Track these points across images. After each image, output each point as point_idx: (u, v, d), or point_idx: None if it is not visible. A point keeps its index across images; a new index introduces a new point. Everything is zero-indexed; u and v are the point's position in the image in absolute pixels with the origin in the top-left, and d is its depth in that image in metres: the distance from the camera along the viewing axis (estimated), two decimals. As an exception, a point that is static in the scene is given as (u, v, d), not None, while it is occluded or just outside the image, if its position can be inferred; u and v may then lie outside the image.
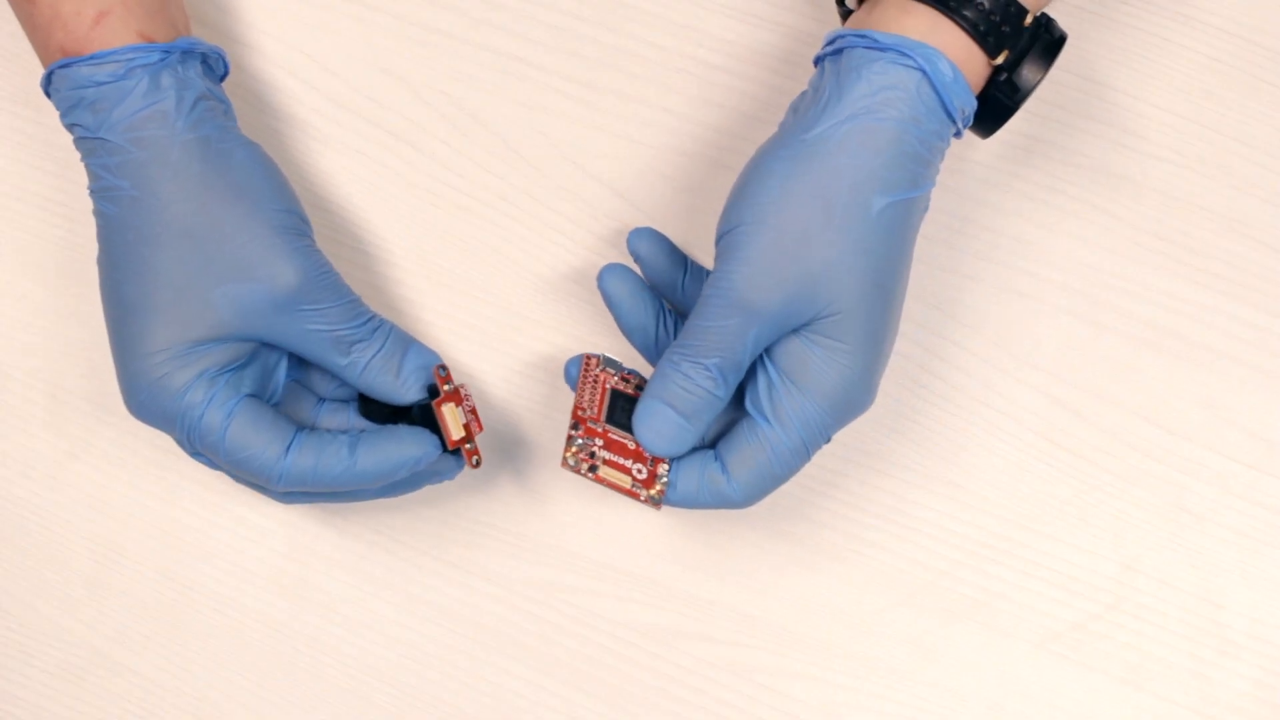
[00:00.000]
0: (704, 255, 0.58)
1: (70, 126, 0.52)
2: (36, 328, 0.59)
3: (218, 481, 0.58)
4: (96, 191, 0.52)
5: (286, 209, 0.52)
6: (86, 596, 0.58)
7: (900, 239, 0.51)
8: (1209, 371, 0.58)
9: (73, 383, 0.59)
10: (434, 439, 0.52)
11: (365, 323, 0.53)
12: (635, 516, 0.58)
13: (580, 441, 0.54)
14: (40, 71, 0.53)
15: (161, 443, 0.59)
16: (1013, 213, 0.59)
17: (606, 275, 0.55)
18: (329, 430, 0.53)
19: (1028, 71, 0.52)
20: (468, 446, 0.53)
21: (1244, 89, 0.59)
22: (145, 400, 0.51)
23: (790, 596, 0.57)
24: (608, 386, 0.54)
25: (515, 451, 0.58)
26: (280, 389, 0.54)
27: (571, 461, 0.54)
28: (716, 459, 0.52)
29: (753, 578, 0.58)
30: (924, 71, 0.50)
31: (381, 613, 0.58)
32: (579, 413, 0.54)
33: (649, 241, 0.56)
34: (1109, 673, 0.57)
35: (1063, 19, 0.60)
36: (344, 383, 0.54)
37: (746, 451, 0.51)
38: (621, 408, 0.54)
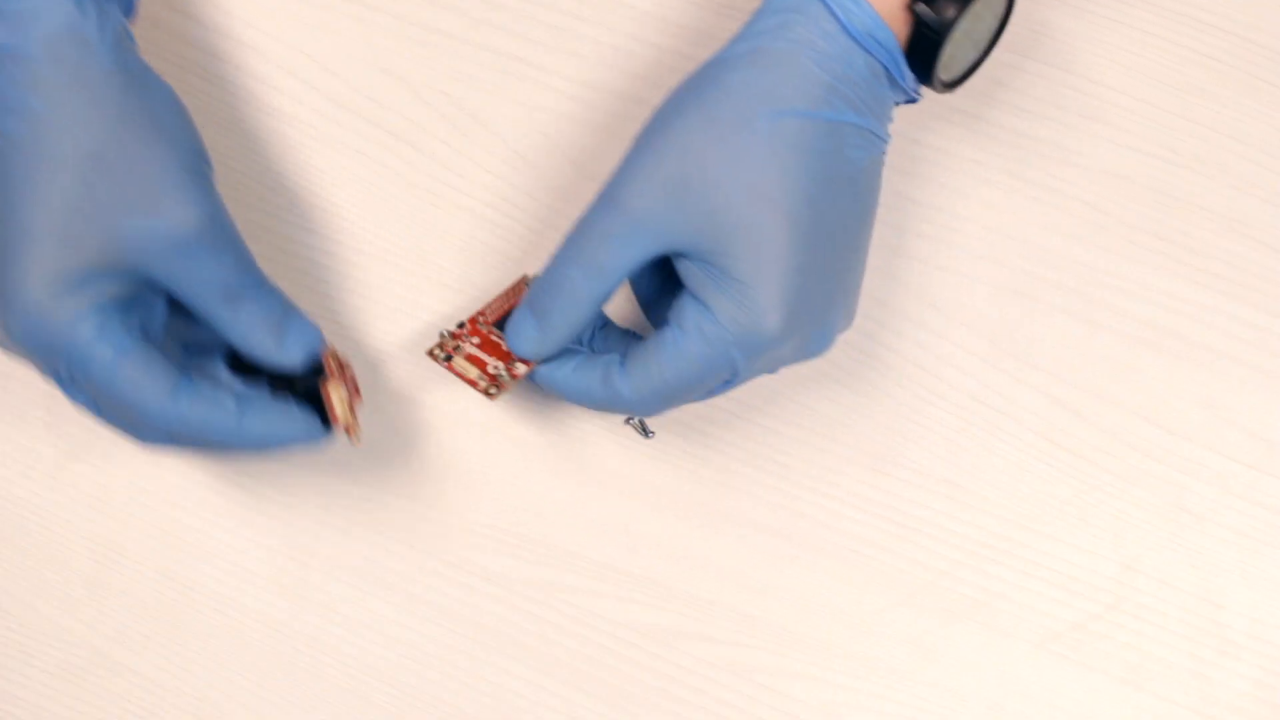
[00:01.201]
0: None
1: None
2: (37, 328, 0.59)
3: (218, 481, 0.58)
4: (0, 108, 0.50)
5: (197, 151, 0.52)
6: (86, 596, 0.58)
7: (796, 158, 0.50)
8: (1209, 371, 0.58)
9: (73, 383, 0.59)
10: (319, 423, 0.52)
11: (256, 280, 0.52)
12: (635, 516, 0.58)
13: (446, 335, 0.55)
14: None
15: (161, 443, 0.59)
16: (1011, 212, 0.59)
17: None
18: (208, 381, 0.52)
19: (945, 4, 0.52)
20: (349, 425, 0.53)
21: (1241, 87, 0.59)
22: (29, 326, 0.49)
23: (790, 596, 0.57)
24: (519, 299, 0.55)
25: (515, 451, 0.58)
26: (160, 333, 0.52)
27: (440, 354, 0.55)
28: (621, 362, 0.52)
29: (753, 578, 0.58)
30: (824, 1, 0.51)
31: (381, 613, 0.58)
32: (475, 317, 0.56)
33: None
34: (1109, 673, 0.57)
35: (1062, 19, 0.60)
36: (220, 336, 0.53)
37: (644, 350, 0.52)
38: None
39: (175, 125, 0.52)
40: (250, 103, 0.60)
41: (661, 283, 0.56)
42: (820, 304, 0.52)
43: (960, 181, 0.59)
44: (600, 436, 0.58)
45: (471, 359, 0.55)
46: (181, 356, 0.53)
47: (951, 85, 0.55)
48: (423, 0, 0.60)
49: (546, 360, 0.53)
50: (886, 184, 0.59)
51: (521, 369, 0.54)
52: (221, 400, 0.51)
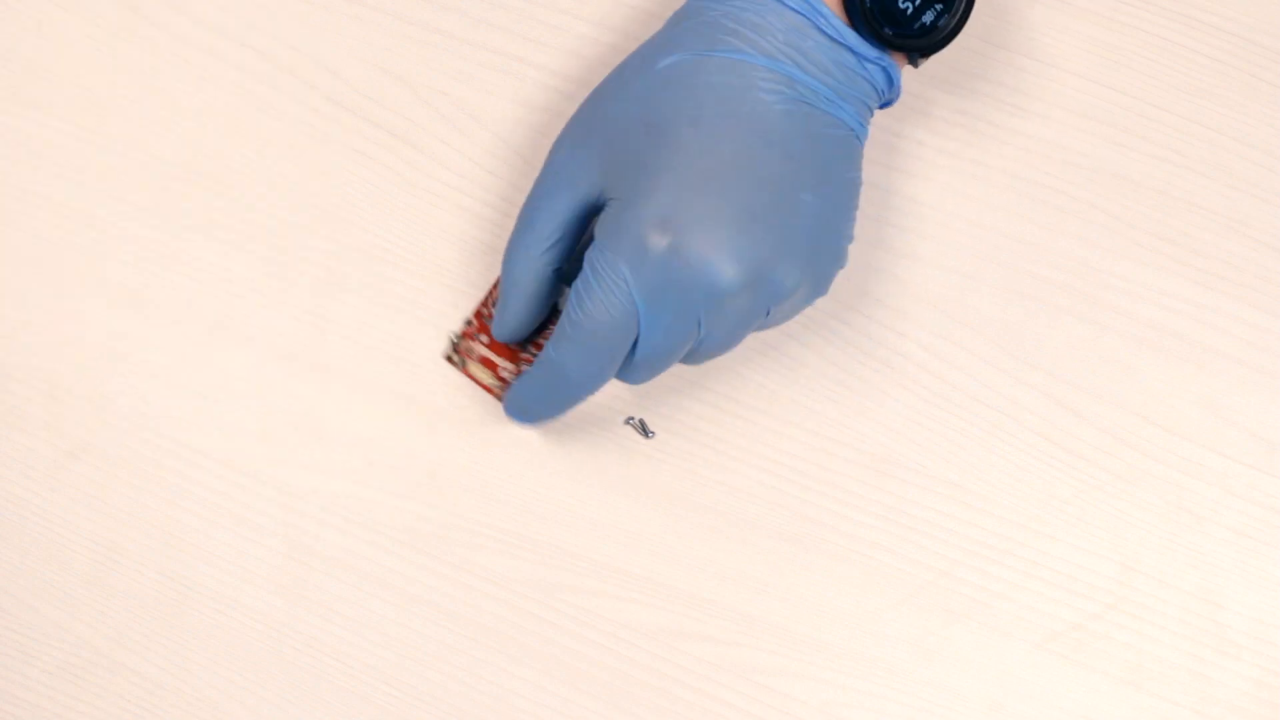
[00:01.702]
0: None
1: None
2: (36, 328, 0.59)
3: (218, 481, 0.58)
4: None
5: None
6: (86, 596, 0.58)
7: (686, 89, 0.51)
8: (1209, 371, 0.58)
9: (73, 383, 0.59)
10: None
11: None
12: (635, 516, 0.58)
13: (457, 337, 0.57)
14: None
15: (162, 442, 0.59)
16: (1012, 212, 0.59)
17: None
18: None
19: None
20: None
21: (1244, 88, 0.59)
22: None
23: (790, 596, 0.57)
24: None
25: (515, 451, 0.58)
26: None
27: (457, 360, 0.57)
28: (550, 339, 0.53)
29: (753, 578, 0.58)
30: None
31: (381, 613, 0.58)
32: (480, 310, 0.57)
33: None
34: (1109, 673, 0.57)
35: (1062, 19, 0.60)
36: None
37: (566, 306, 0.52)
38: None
39: None
40: (250, 103, 0.60)
41: None
42: (714, 226, 0.50)
43: (961, 182, 0.59)
44: (600, 437, 0.58)
45: (484, 362, 0.56)
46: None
47: (915, 48, 0.53)
48: (423, 0, 0.60)
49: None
50: (890, 184, 0.59)
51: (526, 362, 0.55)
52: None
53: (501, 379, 0.55)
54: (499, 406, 0.58)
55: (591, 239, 0.52)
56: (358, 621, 0.58)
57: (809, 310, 0.58)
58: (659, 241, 0.50)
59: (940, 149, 0.59)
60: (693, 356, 0.53)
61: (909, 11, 0.52)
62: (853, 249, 0.59)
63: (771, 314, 0.52)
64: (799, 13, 0.51)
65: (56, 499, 0.58)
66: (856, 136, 0.53)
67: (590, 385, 0.53)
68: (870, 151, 0.59)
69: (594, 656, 0.57)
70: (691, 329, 0.51)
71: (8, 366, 0.59)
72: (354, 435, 0.58)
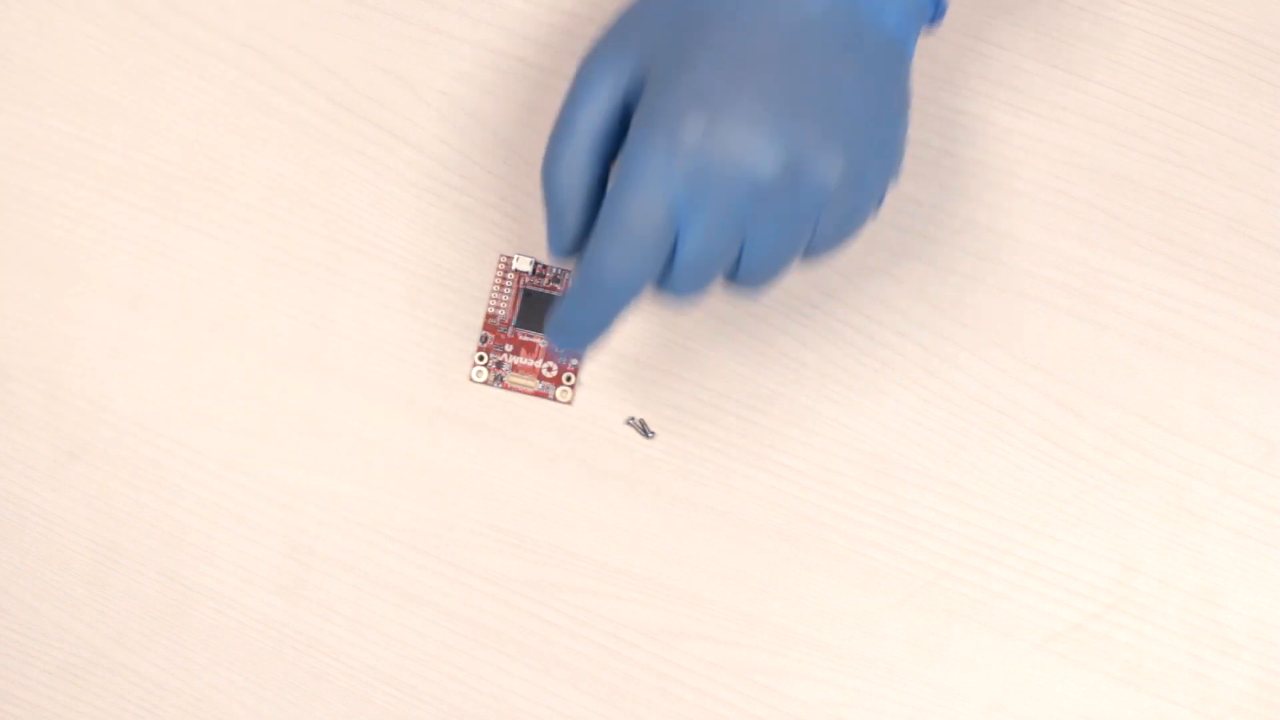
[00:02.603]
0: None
1: None
2: (36, 328, 0.59)
3: (218, 481, 0.58)
4: None
5: None
6: (86, 596, 0.58)
7: None
8: (1209, 371, 0.58)
9: (73, 383, 0.59)
10: None
11: None
12: (635, 516, 0.58)
13: (486, 357, 0.58)
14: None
15: (162, 442, 0.59)
16: (1013, 213, 0.59)
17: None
18: None
19: None
20: None
21: (1244, 88, 0.59)
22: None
23: (790, 596, 0.58)
24: (521, 286, 0.57)
25: (515, 451, 0.58)
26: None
27: (478, 378, 0.57)
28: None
29: (753, 578, 0.58)
30: None
31: (381, 613, 0.58)
32: (489, 320, 0.57)
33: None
34: (1109, 673, 0.57)
35: (1062, 19, 0.60)
36: None
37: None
38: (533, 310, 0.57)
39: None
40: (250, 103, 0.60)
41: None
42: (750, 108, 0.48)
43: (961, 182, 0.59)
44: (600, 436, 0.58)
45: (520, 369, 0.57)
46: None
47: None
48: (423, 0, 0.60)
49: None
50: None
51: (573, 361, 0.57)
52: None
53: (549, 378, 0.58)
54: (499, 406, 0.58)
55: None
56: (358, 621, 0.58)
57: (810, 310, 0.58)
58: (696, 120, 0.47)
59: (940, 149, 0.59)
60: (743, 275, 0.50)
61: None
62: (853, 248, 0.59)
63: (821, 224, 0.50)
64: None
65: (56, 499, 0.59)
66: (904, 48, 0.51)
67: (629, 290, 0.49)
68: (870, 151, 0.59)
69: (594, 656, 0.57)
70: (734, 230, 0.49)
71: (8, 366, 0.59)
72: (354, 435, 0.58)
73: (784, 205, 0.48)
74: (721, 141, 0.48)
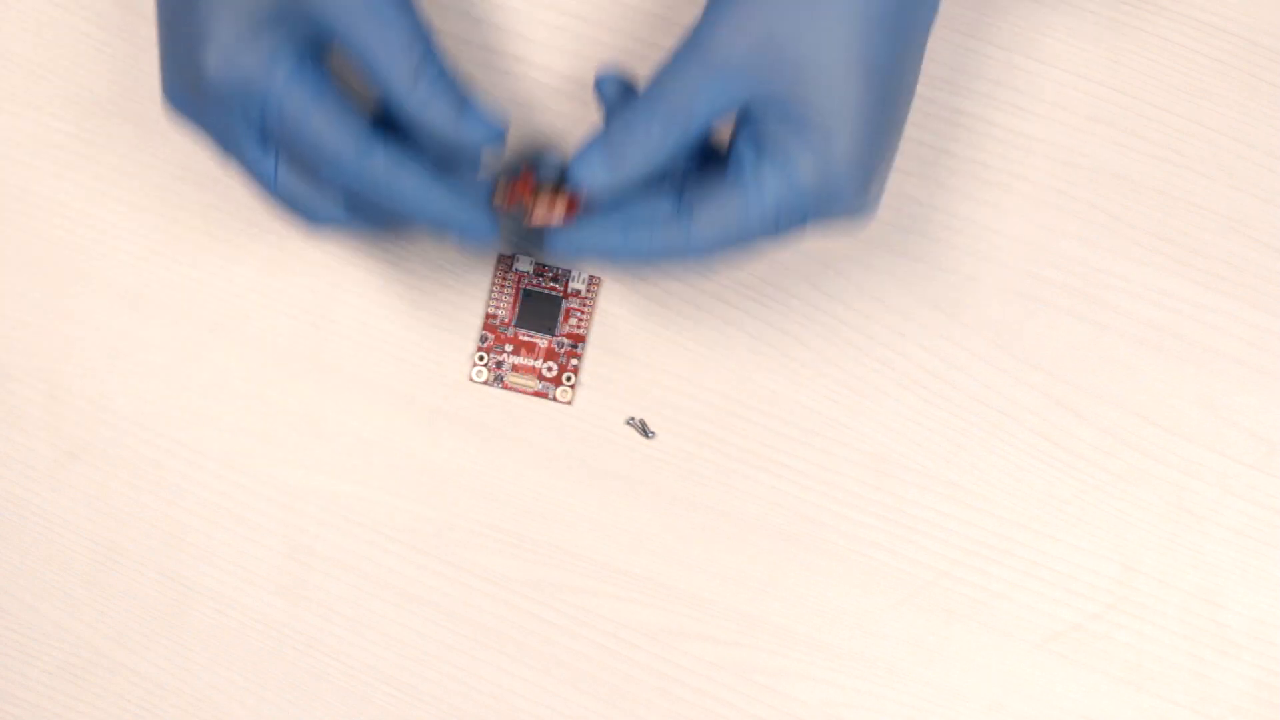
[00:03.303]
0: (704, 255, 0.58)
1: None
2: (36, 328, 0.59)
3: (218, 481, 0.58)
4: None
5: None
6: (86, 596, 0.58)
7: (886, 19, 0.50)
8: (1209, 371, 0.58)
9: (73, 383, 0.59)
10: (492, 218, 0.51)
11: (439, 56, 0.51)
12: (635, 516, 0.58)
13: (486, 357, 0.58)
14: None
15: (162, 442, 0.59)
16: (1013, 212, 0.59)
17: (604, 81, 0.54)
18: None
19: None
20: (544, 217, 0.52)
21: (1244, 89, 0.59)
22: (228, 65, 0.48)
23: (790, 596, 0.58)
24: (521, 287, 0.57)
25: (515, 451, 0.58)
26: None
27: (478, 377, 0.57)
28: (679, 207, 0.51)
29: (753, 578, 0.58)
30: None
31: (381, 613, 0.58)
32: (489, 320, 0.57)
33: (616, 88, 0.54)
34: (1109, 672, 0.57)
35: (1063, 19, 0.60)
36: (397, 115, 0.51)
37: (717, 195, 0.50)
38: (533, 310, 0.57)
39: None
40: (250, 102, 0.60)
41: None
42: (885, 168, 0.51)
43: (962, 182, 0.59)
44: (601, 436, 0.58)
45: (520, 369, 0.57)
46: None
47: None
48: (422, 1, 0.60)
49: (586, 222, 0.51)
50: (890, 184, 0.59)
51: (572, 362, 0.57)
52: (417, 158, 0.50)
53: (549, 378, 0.58)
54: (499, 406, 0.58)
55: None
56: (358, 621, 0.58)
57: (810, 310, 0.58)
58: (851, 176, 0.50)
59: (942, 149, 0.59)
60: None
61: None
62: (853, 248, 0.59)
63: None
64: None
65: (56, 499, 0.59)
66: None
67: (689, 268, 0.51)
68: (870, 151, 0.59)
69: (594, 656, 0.57)
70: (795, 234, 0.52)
71: (8, 366, 0.59)
72: (354, 435, 0.58)
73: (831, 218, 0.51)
74: (846, 194, 0.50)
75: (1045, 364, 0.58)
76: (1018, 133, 0.59)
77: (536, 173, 0.53)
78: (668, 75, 0.51)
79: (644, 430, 0.58)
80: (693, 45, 0.51)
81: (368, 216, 0.52)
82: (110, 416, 0.59)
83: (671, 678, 0.57)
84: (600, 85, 0.54)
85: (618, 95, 0.53)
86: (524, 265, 0.58)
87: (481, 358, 0.58)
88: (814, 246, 0.59)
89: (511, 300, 0.58)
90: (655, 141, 0.50)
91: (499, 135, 0.51)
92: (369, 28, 0.50)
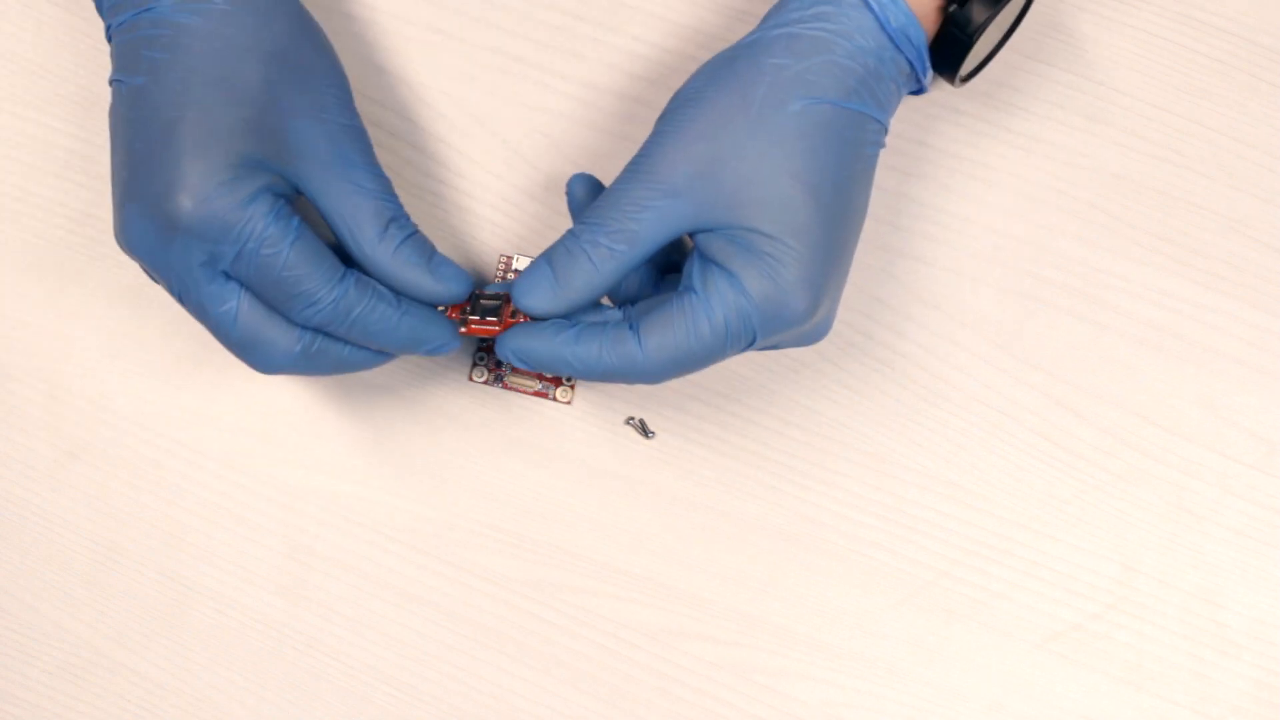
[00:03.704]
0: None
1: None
2: (36, 328, 0.59)
3: (218, 481, 0.58)
4: (147, 39, 0.51)
5: (346, 84, 0.54)
6: (86, 596, 0.58)
7: (826, 144, 0.51)
8: (1209, 371, 0.58)
9: (73, 383, 0.59)
10: (455, 331, 0.53)
11: (403, 212, 0.53)
12: (635, 516, 0.58)
13: (486, 357, 0.58)
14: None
15: (162, 442, 0.59)
16: (1013, 213, 0.59)
17: (573, 181, 0.55)
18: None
19: (977, 7, 0.53)
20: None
21: (1244, 89, 0.59)
22: (206, 204, 0.50)
23: (790, 596, 0.57)
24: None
25: (516, 451, 0.58)
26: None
27: (479, 377, 0.58)
28: (632, 327, 0.52)
29: (753, 578, 0.58)
30: None
31: (381, 613, 0.58)
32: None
33: (585, 187, 0.55)
34: (1109, 673, 0.57)
35: (1064, 19, 0.60)
36: (365, 267, 0.53)
37: (664, 317, 0.51)
38: None
39: (331, 54, 0.54)
40: (250, 102, 0.60)
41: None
42: (835, 287, 0.52)
43: (963, 183, 0.59)
44: (600, 437, 0.58)
45: (520, 370, 0.57)
46: None
47: (966, 79, 0.56)
48: (423, 0, 0.60)
49: (538, 329, 0.53)
50: (890, 185, 0.59)
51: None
52: (383, 292, 0.52)
53: (545, 379, 0.58)
54: (499, 406, 0.58)
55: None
56: (358, 621, 0.58)
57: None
58: (801, 300, 0.51)
59: (940, 149, 0.59)
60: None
61: (976, 55, 0.55)
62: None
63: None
64: (908, 59, 0.52)
65: (56, 499, 0.59)
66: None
67: (638, 383, 0.53)
68: (870, 151, 0.59)
69: (594, 656, 0.57)
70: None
71: (8, 366, 0.59)
72: (354, 435, 0.58)
73: (781, 339, 0.53)
74: (810, 319, 0.52)
75: (1045, 364, 0.58)
76: (1018, 133, 0.59)
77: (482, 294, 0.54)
78: (615, 199, 0.52)
79: (644, 430, 0.58)
80: (635, 170, 0.52)
81: (319, 363, 0.53)
82: (110, 416, 0.59)
83: (671, 678, 0.57)
84: (570, 186, 0.55)
85: (586, 195, 0.55)
86: (523, 265, 0.58)
87: (482, 358, 0.58)
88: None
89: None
90: (598, 267, 0.51)
91: (468, 287, 0.53)
92: (340, 191, 0.52)
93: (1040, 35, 0.60)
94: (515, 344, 0.52)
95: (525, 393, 0.58)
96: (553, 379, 0.58)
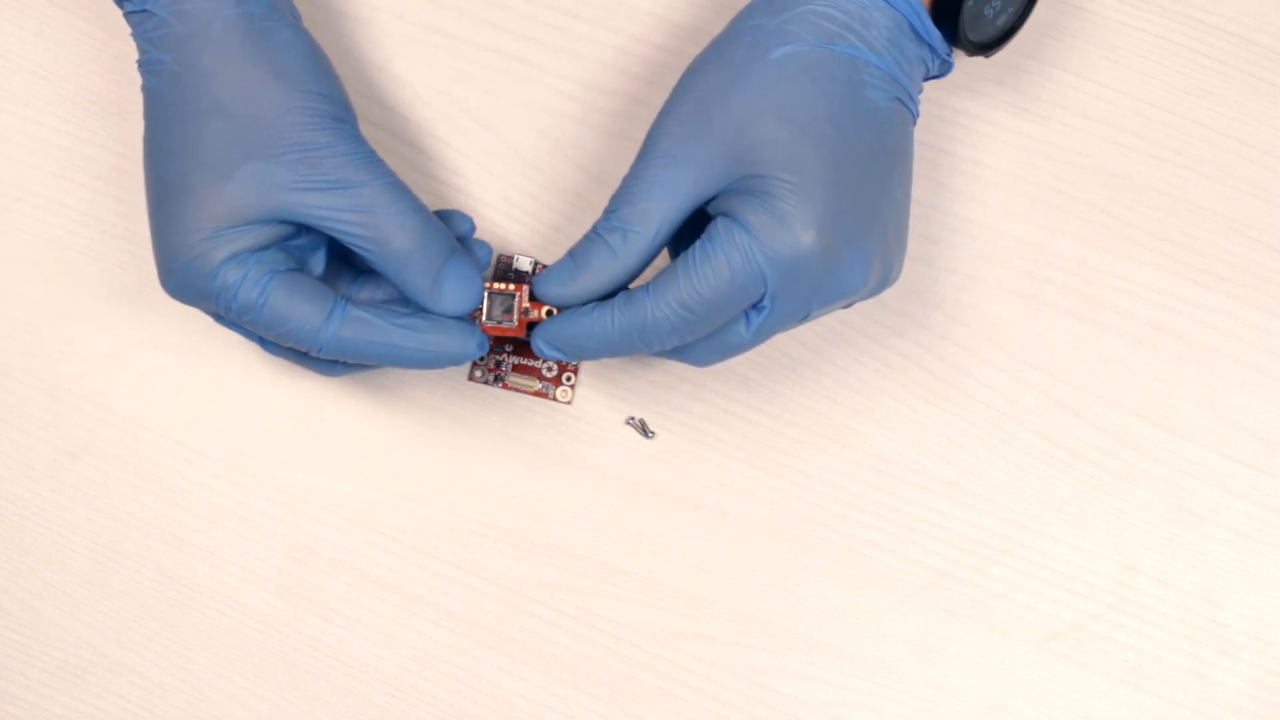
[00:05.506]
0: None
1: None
2: (36, 328, 0.59)
3: (218, 481, 0.58)
4: (143, 65, 0.52)
5: (324, 94, 0.52)
6: (86, 596, 0.58)
7: (813, 83, 0.51)
8: (1209, 371, 0.58)
9: (73, 383, 0.59)
10: (479, 338, 0.52)
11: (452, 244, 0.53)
12: (635, 516, 0.58)
13: (486, 357, 0.58)
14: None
15: (162, 442, 0.59)
16: (1013, 213, 0.59)
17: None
18: (371, 302, 0.53)
19: None
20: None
21: (1243, 88, 0.59)
22: (181, 280, 0.51)
23: (790, 596, 0.57)
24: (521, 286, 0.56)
25: (516, 451, 0.58)
26: (323, 267, 0.53)
27: (480, 376, 0.58)
28: (646, 291, 0.51)
29: (753, 578, 0.58)
30: None
31: (381, 613, 0.58)
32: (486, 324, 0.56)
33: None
34: (1109, 673, 0.57)
35: (1064, 19, 0.60)
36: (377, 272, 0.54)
37: (671, 268, 0.51)
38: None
39: (300, 69, 0.52)
40: (250, 102, 0.60)
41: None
42: (850, 229, 0.51)
43: (962, 183, 0.59)
44: (601, 437, 0.58)
45: (520, 369, 0.57)
46: (351, 282, 0.55)
47: (985, 48, 0.55)
48: (423, 0, 0.60)
49: (560, 315, 0.53)
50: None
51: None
52: (373, 322, 0.51)
53: (550, 379, 0.58)
54: (499, 406, 0.58)
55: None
56: (358, 621, 0.58)
57: (809, 310, 0.58)
58: (805, 237, 0.50)
59: (942, 150, 0.59)
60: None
61: (989, 16, 0.54)
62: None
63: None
64: (900, 11, 0.52)
65: (56, 499, 0.59)
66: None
67: (660, 346, 0.52)
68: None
69: (594, 656, 0.57)
70: (798, 321, 0.52)
71: (8, 366, 0.59)
72: (354, 435, 0.58)
73: (810, 289, 0.52)
74: (830, 263, 0.51)
75: (1045, 364, 0.58)
76: (1018, 133, 0.59)
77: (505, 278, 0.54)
78: (628, 183, 0.52)
79: (644, 430, 0.58)
80: (640, 152, 0.52)
81: (366, 365, 0.54)
82: (110, 416, 0.59)
83: (671, 678, 0.57)
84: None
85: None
86: (523, 265, 0.58)
87: (482, 358, 0.58)
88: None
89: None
90: (614, 249, 0.51)
91: (470, 307, 0.52)
92: (320, 216, 0.51)
93: (1040, 35, 0.60)
94: (543, 334, 0.53)
95: (525, 393, 0.58)
96: (553, 379, 0.58)
